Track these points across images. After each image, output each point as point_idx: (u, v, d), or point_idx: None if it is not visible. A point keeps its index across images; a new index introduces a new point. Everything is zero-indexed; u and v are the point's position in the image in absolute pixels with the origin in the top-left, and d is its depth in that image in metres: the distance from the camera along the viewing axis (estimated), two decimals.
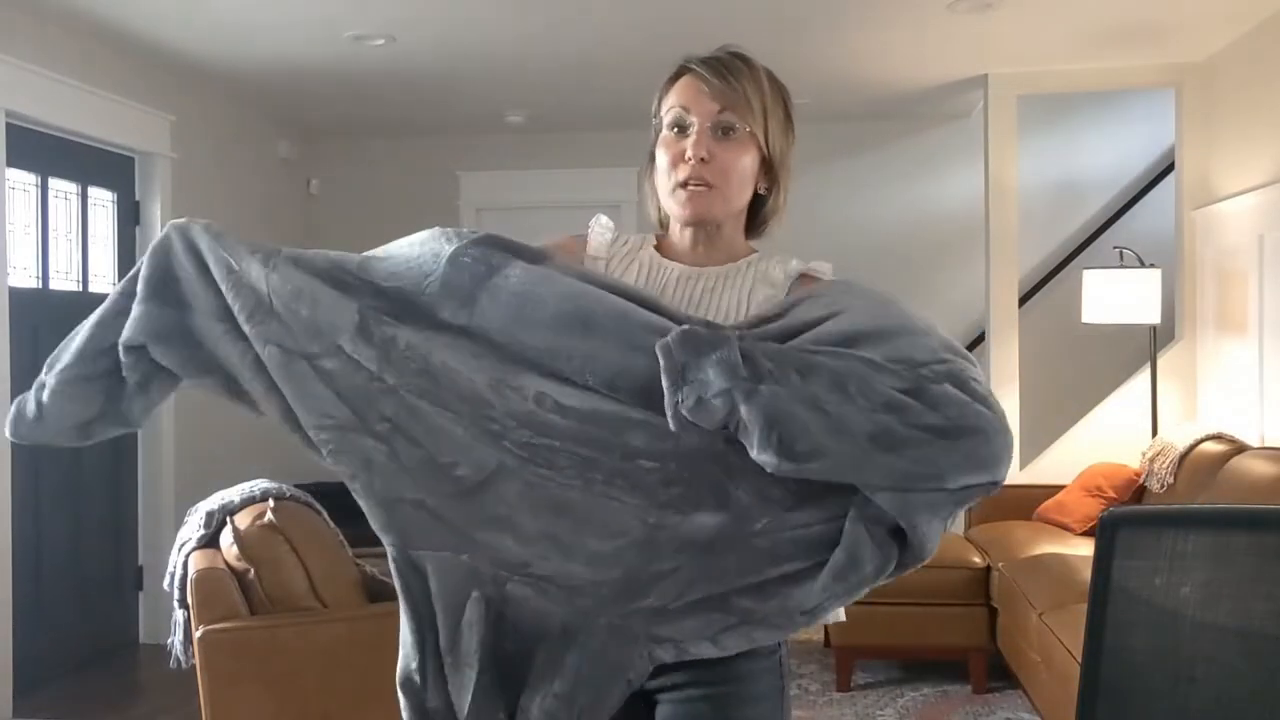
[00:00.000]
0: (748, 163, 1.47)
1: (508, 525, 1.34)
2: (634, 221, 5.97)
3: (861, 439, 1.24)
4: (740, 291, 1.49)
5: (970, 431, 1.25)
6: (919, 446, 1.23)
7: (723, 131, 1.45)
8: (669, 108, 1.48)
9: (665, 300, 1.45)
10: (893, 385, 1.26)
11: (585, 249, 1.54)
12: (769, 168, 1.51)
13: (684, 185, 1.46)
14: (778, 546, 1.32)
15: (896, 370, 1.28)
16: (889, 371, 1.27)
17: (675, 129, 1.47)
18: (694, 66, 1.47)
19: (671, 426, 1.28)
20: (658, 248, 1.55)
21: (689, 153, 1.44)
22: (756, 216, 1.56)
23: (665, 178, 1.48)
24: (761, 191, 1.53)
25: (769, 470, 1.27)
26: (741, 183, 1.48)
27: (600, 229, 1.57)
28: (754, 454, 1.26)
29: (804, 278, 1.51)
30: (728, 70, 1.45)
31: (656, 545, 1.32)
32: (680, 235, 1.52)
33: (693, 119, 1.45)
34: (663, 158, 1.48)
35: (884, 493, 1.25)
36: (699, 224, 1.49)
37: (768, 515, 1.31)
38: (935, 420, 1.24)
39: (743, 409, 1.25)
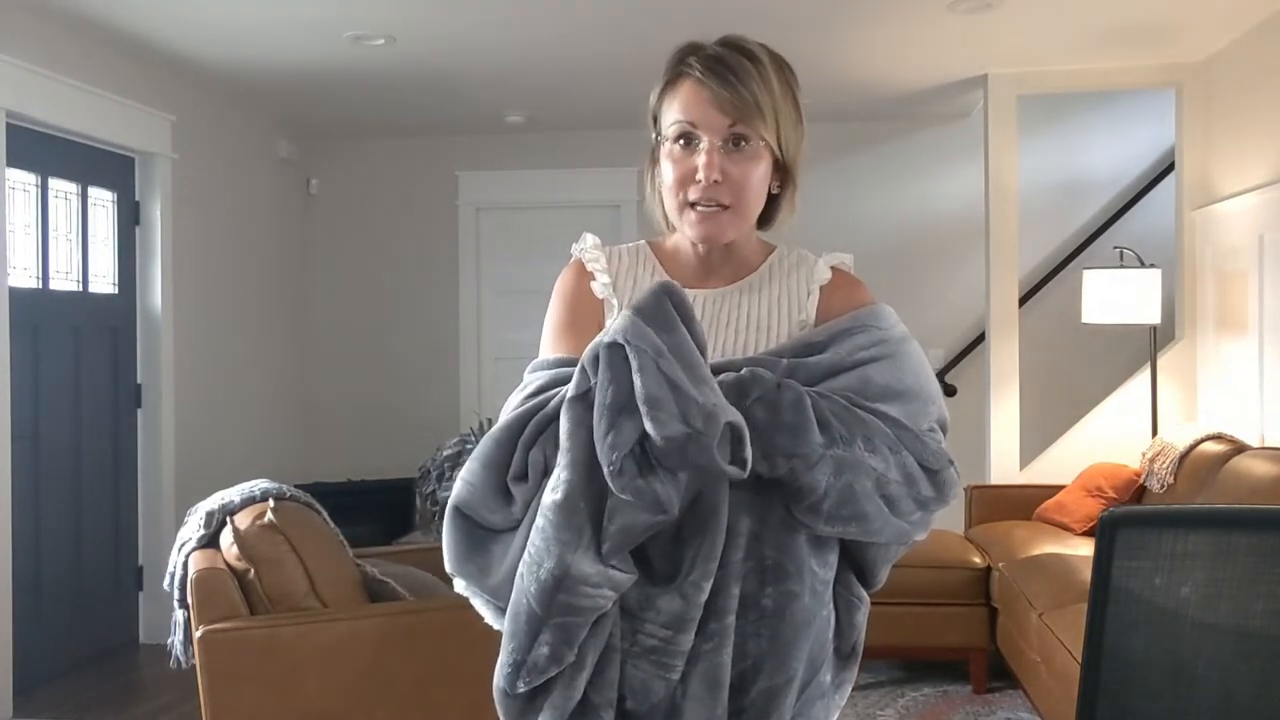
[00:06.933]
0: (762, 172, 1.38)
1: None
2: (634, 221, 5.99)
3: (885, 505, 1.30)
4: (766, 305, 1.43)
5: (941, 505, 1.37)
6: (909, 514, 1.32)
7: (734, 143, 1.36)
8: (674, 120, 1.38)
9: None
10: (912, 453, 1.32)
11: (589, 281, 1.47)
12: (781, 168, 1.43)
13: (694, 205, 1.37)
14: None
15: (914, 435, 1.34)
16: (911, 435, 1.33)
17: (681, 142, 1.37)
18: (697, 72, 1.36)
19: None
20: (661, 260, 1.48)
21: (700, 173, 1.35)
22: (768, 211, 1.46)
23: (673, 195, 1.39)
24: (774, 191, 1.44)
25: (807, 525, 1.28)
26: (756, 196, 1.40)
27: (592, 257, 1.48)
28: (797, 509, 1.26)
29: (835, 274, 1.46)
30: (735, 75, 1.34)
31: None
32: (690, 249, 1.45)
33: (702, 135, 1.35)
34: (670, 172, 1.38)
35: (871, 546, 1.36)
36: (711, 243, 1.42)
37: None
38: (929, 494, 1.34)
39: (808, 474, 1.24)
